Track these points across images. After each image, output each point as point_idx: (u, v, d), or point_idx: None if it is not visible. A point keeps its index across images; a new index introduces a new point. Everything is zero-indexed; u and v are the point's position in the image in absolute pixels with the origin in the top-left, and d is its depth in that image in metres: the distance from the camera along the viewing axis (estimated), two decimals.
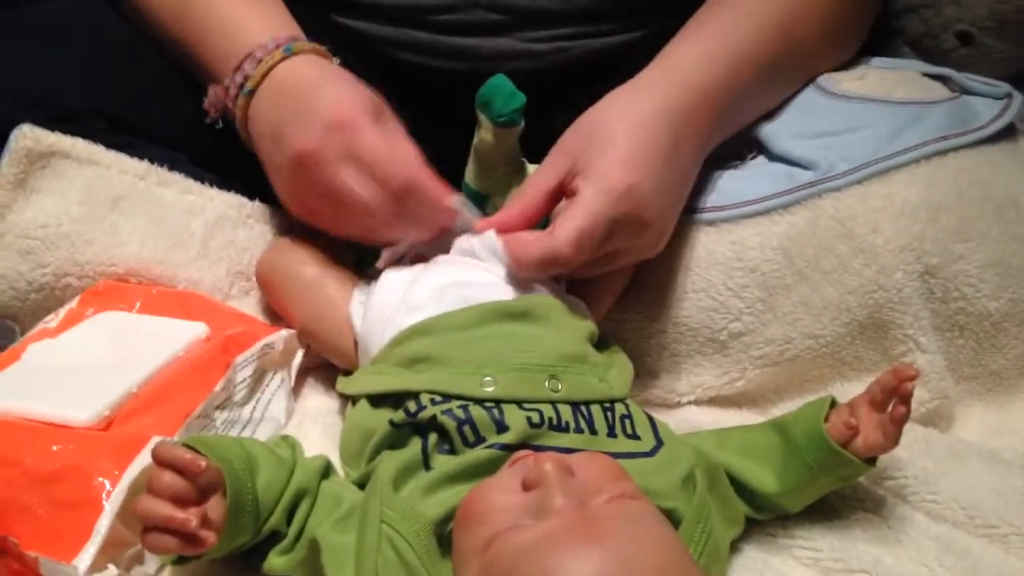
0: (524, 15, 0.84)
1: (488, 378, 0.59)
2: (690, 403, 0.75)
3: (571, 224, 0.62)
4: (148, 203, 0.77)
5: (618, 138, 0.65)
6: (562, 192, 0.66)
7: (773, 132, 0.76)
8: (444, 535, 0.52)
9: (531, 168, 0.73)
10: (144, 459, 0.54)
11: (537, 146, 0.70)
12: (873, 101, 0.75)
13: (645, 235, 0.67)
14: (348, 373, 0.71)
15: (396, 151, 0.68)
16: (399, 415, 0.58)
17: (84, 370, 0.62)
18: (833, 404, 0.59)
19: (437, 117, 0.82)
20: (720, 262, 0.72)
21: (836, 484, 0.60)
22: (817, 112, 0.76)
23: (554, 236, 0.63)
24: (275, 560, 0.54)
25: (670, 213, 0.69)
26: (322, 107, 0.68)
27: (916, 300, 0.69)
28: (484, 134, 0.71)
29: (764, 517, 0.60)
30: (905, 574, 0.56)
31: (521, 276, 0.66)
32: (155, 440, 0.54)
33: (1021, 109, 0.74)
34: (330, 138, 0.67)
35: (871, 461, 0.58)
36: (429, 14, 0.84)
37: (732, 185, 0.75)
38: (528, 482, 0.48)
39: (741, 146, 0.78)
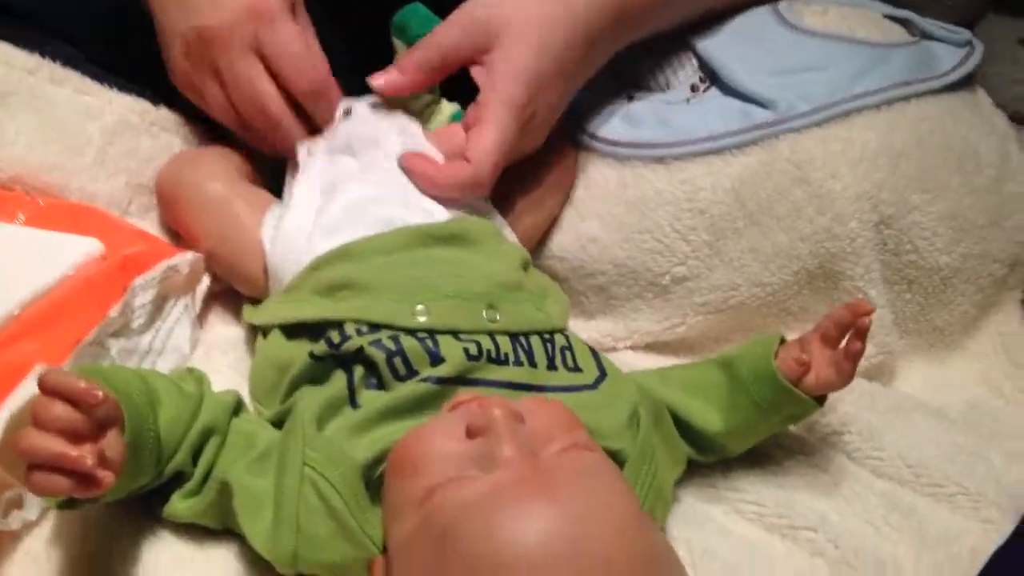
0: None
1: (420, 306, 0.54)
2: (627, 348, 0.72)
3: (488, 149, 0.61)
4: (38, 101, 0.68)
5: (516, 40, 0.62)
6: (455, 67, 0.64)
7: (728, 63, 0.71)
8: (373, 479, 0.48)
9: (446, 104, 0.69)
10: (27, 390, 0.47)
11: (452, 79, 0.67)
12: (836, 39, 0.71)
13: (534, 133, 0.66)
14: (256, 302, 0.65)
15: (310, 52, 0.65)
16: (320, 347, 0.53)
17: None
18: (782, 342, 0.56)
19: (356, 39, 0.76)
20: (668, 202, 0.68)
21: (783, 424, 0.58)
22: (777, 46, 0.72)
23: (475, 163, 0.61)
24: (179, 504, 0.49)
25: (556, 113, 0.67)
26: None
27: (869, 251, 0.66)
28: (399, 48, 0.68)
29: (706, 459, 0.58)
30: (851, 532, 0.55)
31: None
32: (40, 368, 0.47)
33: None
34: (244, 23, 0.62)
35: (821, 400, 0.55)
36: None
37: (682, 120, 0.71)
38: (473, 429, 0.44)
39: (689, 73, 0.74)
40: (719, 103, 0.71)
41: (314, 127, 0.67)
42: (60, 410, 0.41)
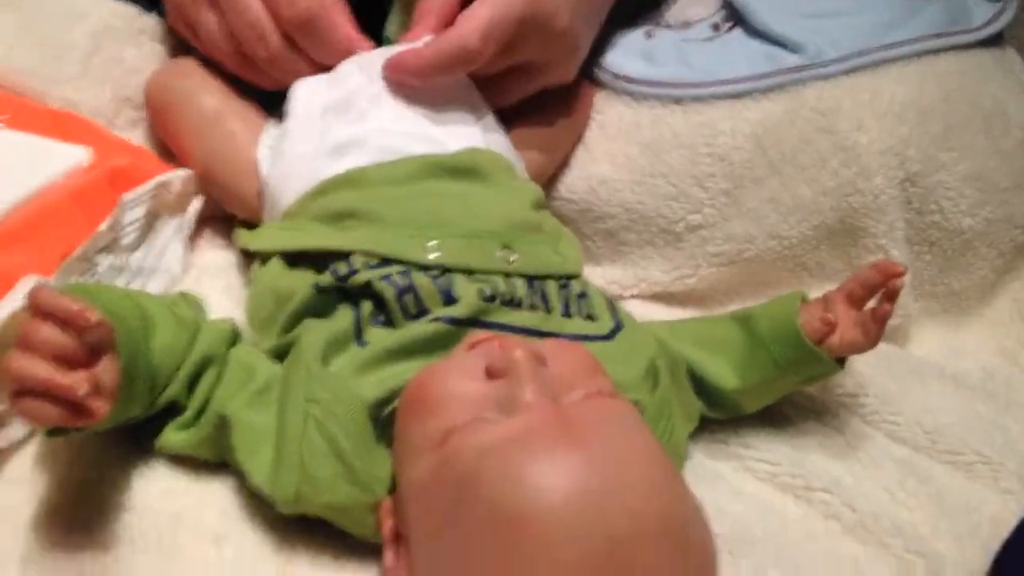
0: None
1: (433, 242, 0.52)
2: (633, 297, 0.69)
3: (479, 13, 0.56)
4: None
5: None
6: None
7: (755, 2, 0.68)
8: (379, 420, 0.45)
9: None
10: (11, 303, 0.44)
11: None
12: None
13: (555, 47, 0.61)
14: (249, 226, 0.61)
15: None
16: (325, 278, 0.51)
17: None
18: (803, 300, 0.54)
19: None
20: (685, 145, 0.66)
21: (800, 384, 0.56)
22: None
23: (459, 28, 0.56)
24: (173, 436, 0.47)
25: (582, 27, 0.63)
26: None
27: (893, 208, 0.64)
28: None
29: (717, 415, 0.56)
30: (866, 496, 0.53)
31: (432, 83, 0.58)
32: (30, 280, 0.44)
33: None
34: None
35: (841, 362, 0.54)
36: None
37: (704, 60, 0.68)
38: (494, 370, 0.42)
39: (712, 10, 0.71)
40: (744, 44, 0.68)
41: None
42: (50, 332, 0.39)
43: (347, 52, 0.61)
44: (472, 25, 0.56)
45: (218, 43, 0.62)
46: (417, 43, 0.59)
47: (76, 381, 0.38)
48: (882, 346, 0.62)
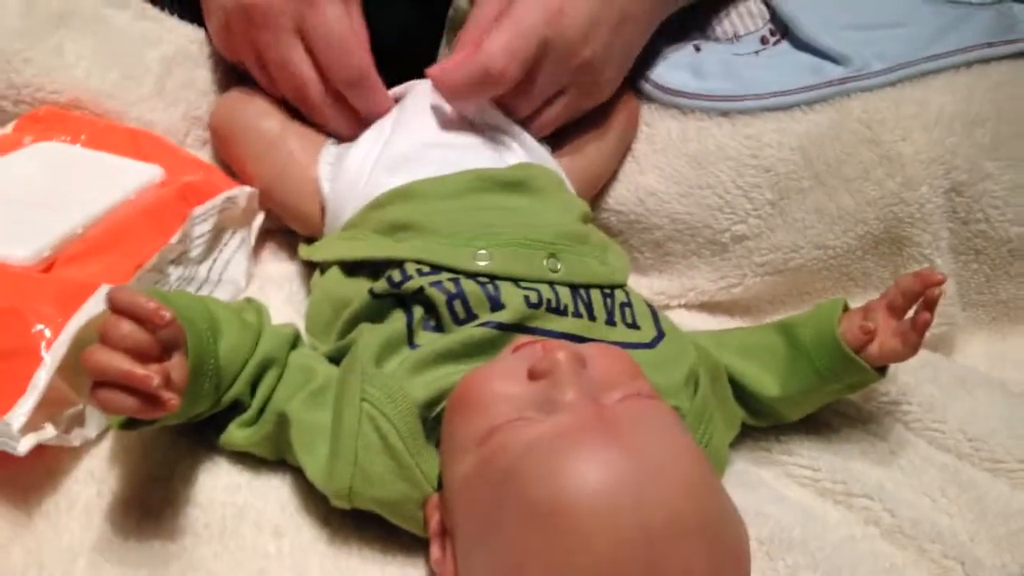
0: None
1: (482, 251, 0.54)
2: (680, 306, 0.71)
3: (500, 35, 0.58)
4: (98, 25, 0.68)
5: None
6: None
7: (802, 15, 0.69)
8: (429, 420, 0.47)
9: None
10: (91, 308, 0.47)
11: None
12: None
13: (581, 73, 0.63)
14: (310, 241, 0.64)
15: (353, 38, 0.62)
16: (380, 284, 0.53)
17: (21, 203, 0.54)
18: (845, 308, 0.55)
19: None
20: (731, 157, 0.67)
21: (841, 392, 0.56)
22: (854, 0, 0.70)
23: (482, 49, 0.58)
24: (236, 433, 0.49)
25: (612, 58, 0.64)
26: None
27: (938, 218, 0.65)
28: (463, 3, 0.67)
29: (759, 423, 0.57)
30: (907, 502, 0.54)
31: (459, 105, 0.61)
32: (106, 288, 0.47)
33: None
34: (288, 4, 0.61)
35: (882, 370, 0.54)
36: None
37: (751, 73, 0.69)
38: (536, 371, 0.44)
39: (759, 24, 0.73)
40: (790, 57, 0.69)
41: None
42: (128, 329, 0.41)
43: (387, 105, 0.64)
44: (495, 47, 0.58)
45: (264, 84, 0.66)
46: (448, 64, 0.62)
47: (151, 372, 0.40)
48: (927, 354, 0.63)
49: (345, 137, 0.66)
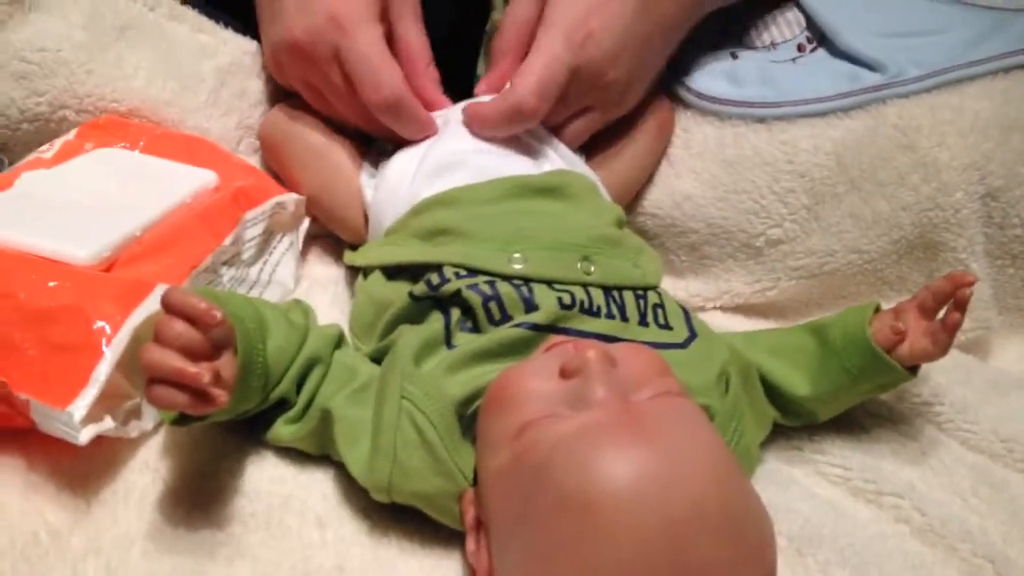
0: None
1: (517, 255, 0.55)
2: (715, 308, 0.72)
3: (531, 73, 0.61)
4: (157, 37, 0.71)
5: None
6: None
7: (839, 23, 0.70)
8: (465, 417, 0.49)
9: None
10: (148, 307, 0.49)
11: None
12: (955, 2, 0.69)
13: (610, 91, 0.65)
14: (353, 247, 0.66)
15: (385, 65, 0.63)
16: (420, 287, 0.55)
17: (82, 206, 0.57)
18: (877, 310, 0.56)
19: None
20: (767, 162, 0.68)
21: (872, 392, 0.57)
22: (892, 7, 0.70)
23: (514, 88, 0.61)
24: (282, 429, 0.51)
25: (637, 70, 0.66)
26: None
27: (973, 223, 0.65)
28: (499, 16, 0.68)
29: (790, 423, 0.58)
30: (938, 501, 0.54)
31: (493, 137, 0.64)
32: (162, 287, 0.50)
33: None
34: (324, 34, 0.63)
35: (913, 370, 0.55)
36: None
37: (788, 80, 0.70)
38: (567, 370, 0.45)
39: (796, 32, 0.73)
40: (827, 64, 0.70)
41: None
42: (181, 328, 0.44)
43: (429, 130, 0.66)
44: (526, 84, 0.61)
45: (320, 109, 0.69)
46: (483, 99, 0.64)
47: (201, 370, 0.42)
48: (960, 357, 0.63)
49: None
